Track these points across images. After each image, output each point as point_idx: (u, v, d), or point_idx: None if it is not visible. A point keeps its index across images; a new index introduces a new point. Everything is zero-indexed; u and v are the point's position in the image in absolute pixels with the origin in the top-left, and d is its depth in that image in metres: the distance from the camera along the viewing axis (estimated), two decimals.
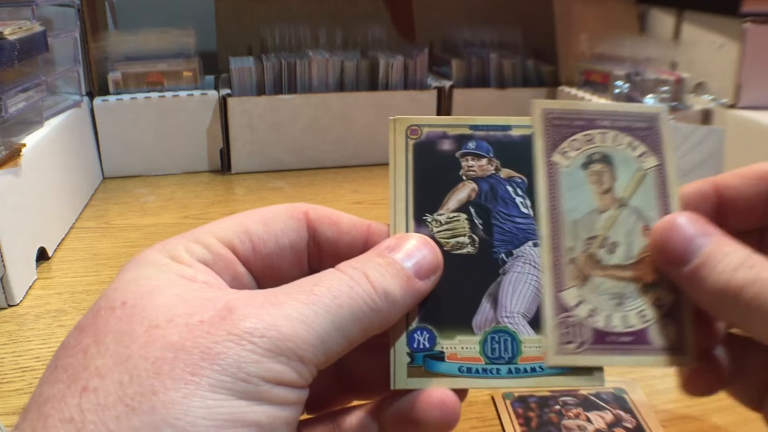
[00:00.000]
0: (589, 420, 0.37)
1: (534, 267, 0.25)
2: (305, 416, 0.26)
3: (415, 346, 0.24)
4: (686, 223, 0.24)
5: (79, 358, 0.20)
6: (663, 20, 0.84)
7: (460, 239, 0.26)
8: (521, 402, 0.38)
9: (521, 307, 0.25)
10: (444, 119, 0.27)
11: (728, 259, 0.22)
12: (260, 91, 0.81)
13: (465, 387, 0.24)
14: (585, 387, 0.25)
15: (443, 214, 0.26)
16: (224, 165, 0.83)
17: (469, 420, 0.38)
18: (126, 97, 0.78)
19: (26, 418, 0.19)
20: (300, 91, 0.82)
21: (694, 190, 0.26)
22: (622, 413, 0.37)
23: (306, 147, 0.83)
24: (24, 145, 0.54)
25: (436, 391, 0.23)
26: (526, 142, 0.27)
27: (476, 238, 0.26)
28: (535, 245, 0.26)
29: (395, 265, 0.23)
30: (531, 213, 0.26)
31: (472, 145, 0.27)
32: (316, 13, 0.91)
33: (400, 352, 0.24)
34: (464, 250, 0.26)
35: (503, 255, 0.26)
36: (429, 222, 0.26)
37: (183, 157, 0.81)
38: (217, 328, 0.20)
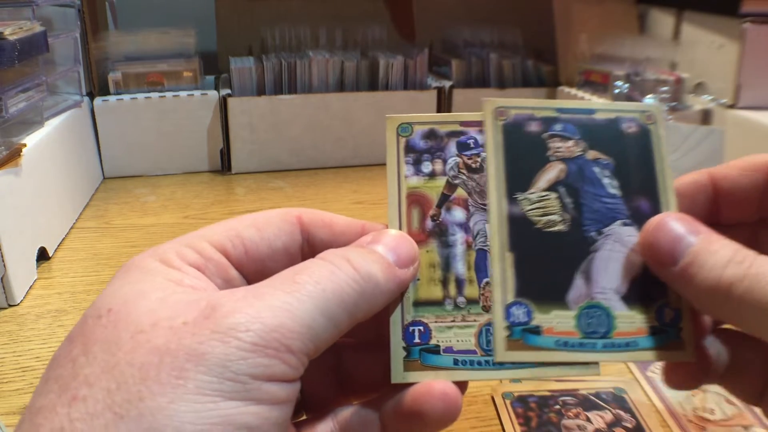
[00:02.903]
0: (588, 420, 0.37)
1: (624, 246, 0.26)
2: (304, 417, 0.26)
3: (512, 320, 0.25)
4: (674, 223, 0.24)
5: (69, 368, 0.20)
6: (663, 20, 0.85)
7: (552, 217, 0.26)
8: (521, 402, 0.38)
9: (614, 283, 0.25)
10: (531, 101, 0.28)
11: (717, 256, 0.22)
12: (260, 91, 0.81)
13: (562, 360, 0.25)
14: (674, 361, 0.26)
15: (534, 193, 0.27)
16: (224, 165, 0.83)
17: (468, 420, 0.38)
18: (126, 97, 0.78)
19: (20, 429, 0.19)
20: (300, 91, 0.82)
21: (690, 181, 0.26)
22: (621, 413, 0.37)
23: (306, 147, 0.83)
24: (24, 145, 0.54)
25: (438, 384, 0.23)
26: (611, 125, 0.27)
27: (567, 216, 0.26)
28: (625, 224, 0.26)
29: (375, 252, 0.24)
30: (619, 193, 0.27)
31: (558, 127, 0.27)
32: (316, 13, 0.91)
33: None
34: (556, 228, 0.26)
35: (593, 233, 0.26)
36: (520, 200, 0.26)
37: (183, 157, 0.82)
38: (201, 327, 0.20)
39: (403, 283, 0.24)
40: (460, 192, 0.27)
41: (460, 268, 0.26)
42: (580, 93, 0.81)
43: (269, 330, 0.20)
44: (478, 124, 0.27)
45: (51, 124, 0.63)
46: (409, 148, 0.27)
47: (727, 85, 0.72)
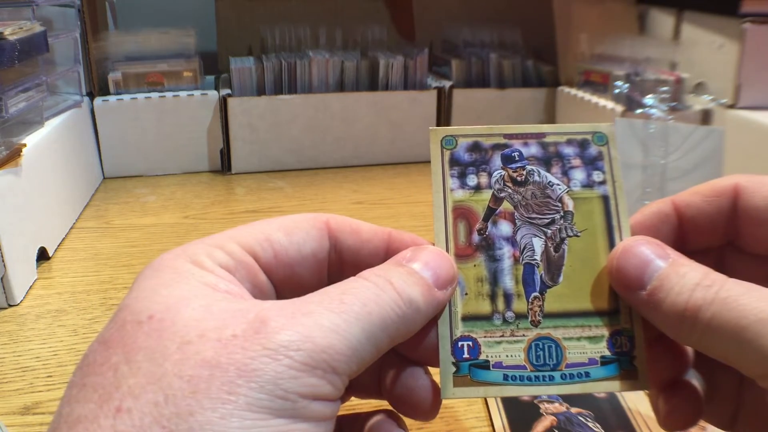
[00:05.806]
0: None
1: None
2: None
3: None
4: (643, 247, 0.23)
5: (109, 376, 0.19)
6: (663, 20, 0.85)
7: None
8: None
9: None
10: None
11: (685, 280, 0.22)
12: (260, 91, 0.81)
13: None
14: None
15: None
16: (224, 165, 0.83)
17: (468, 420, 0.38)
18: (126, 97, 0.78)
19: None
20: (300, 91, 0.82)
21: (654, 211, 0.26)
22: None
23: (306, 147, 0.83)
24: (24, 145, 0.55)
25: None
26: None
27: None
28: None
29: (416, 274, 0.23)
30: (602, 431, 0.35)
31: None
32: (316, 13, 0.91)
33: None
34: None
35: None
36: None
37: (183, 157, 0.82)
38: (252, 342, 0.19)
39: (441, 305, 0.24)
40: (506, 205, 0.26)
41: (508, 282, 0.26)
42: (580, 93, 0.81)
43: (319, 350, 0.20)
44: (523, 136, 0.27)
45: (51, 124, 0.63)
46: (454, 161, 0.27)
47: (727, 85, 0.72)
